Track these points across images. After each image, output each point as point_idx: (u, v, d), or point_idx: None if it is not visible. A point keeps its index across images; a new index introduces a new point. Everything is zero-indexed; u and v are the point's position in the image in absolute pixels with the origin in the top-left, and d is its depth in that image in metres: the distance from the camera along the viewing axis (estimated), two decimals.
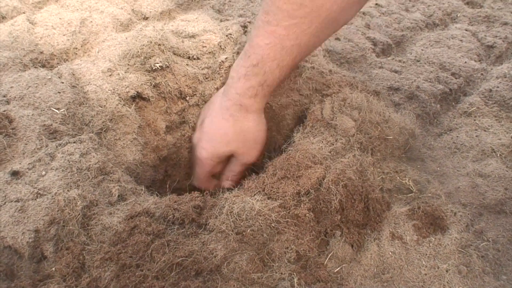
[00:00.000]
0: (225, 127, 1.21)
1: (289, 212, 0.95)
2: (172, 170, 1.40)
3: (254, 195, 0.99)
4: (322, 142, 1.12)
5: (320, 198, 0.98)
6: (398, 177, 1.12)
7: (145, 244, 0.86)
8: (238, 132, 1.20)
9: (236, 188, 1.06)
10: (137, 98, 1.30)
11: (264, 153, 1.31)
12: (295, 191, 0.99)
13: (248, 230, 0.90)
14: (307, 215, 0.95)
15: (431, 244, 0.99)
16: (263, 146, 1.23)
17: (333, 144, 1.11)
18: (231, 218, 0.91)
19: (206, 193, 1.04)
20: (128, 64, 1.30)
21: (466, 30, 1.91)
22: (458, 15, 2.07)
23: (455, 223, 1.04)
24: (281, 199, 0.97)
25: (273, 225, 0.92)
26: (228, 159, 1.27)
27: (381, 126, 1.16)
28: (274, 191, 0.99)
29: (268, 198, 0.98)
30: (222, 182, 1.30)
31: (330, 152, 1.09)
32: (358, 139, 1.13)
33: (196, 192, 1.02)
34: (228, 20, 1.54)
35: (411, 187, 1.11)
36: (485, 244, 1.02)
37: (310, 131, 1.17)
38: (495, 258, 1.01)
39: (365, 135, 1.14)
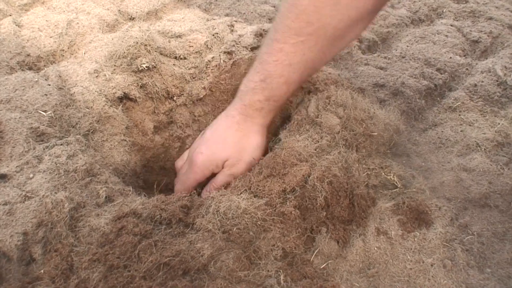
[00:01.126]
0: (227, 134, 1.22)
1: (275, 210, 0.96)
2: (160, 170, 1.41)
3: (241, 193, 1.00)
4: (308, 139, 1.12)
5: (306, 195, 0.99)
6: (383, 173, 1.13)
7: (132, 244, 0.87)
8: (237, 141, 1.20)
9: (223, 187, 1.07)
10: (124, 99, 1.31)
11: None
12: (281, 189, 1.00)
13: (235, 229, 0.91)
14: (293, 212, 0.96)
15: (416, 239, 1.00)
16: (254, 163, 1.20)
17: (318, 142, 1.12)
18: (218, 217, 0.92)
19: (194, 193, 1.05)
20: (115, 65, 1.30)
21: (451, 25, 1.92)
22: (444, 11, 2.08)
23: (439, 217, 1.05)
24: (267, 197, 0.98)
25: (259, 223, 0.93)
26: (217, 170, 1.24)
27: (366, 123, 1.16)
28: (260, 189, 0.99)
29: (255, 196, 0.98)
30: (202, 193, 1.26)
31: (315, 150, 1.10)
32: (343, 136, 1.14)
33: (183, 192, 1.02)
34: (214, 19, 1.54)
35: (396, 182, 1.12)
36: (470, 237, 1.03)
37: (296, 129, 1.18)
38: (479, 251, 1.02)
39: (350, 132, 1.15)
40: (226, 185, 1.16)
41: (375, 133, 1.17)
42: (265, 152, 1.21)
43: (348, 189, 1.02)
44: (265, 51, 1.13)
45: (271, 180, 1.01)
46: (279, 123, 1.31)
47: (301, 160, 1.06)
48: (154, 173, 1.39)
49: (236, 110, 1.21)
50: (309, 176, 1.03)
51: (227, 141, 1.21)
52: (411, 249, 0.98)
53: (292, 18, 1.06)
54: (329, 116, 1.16)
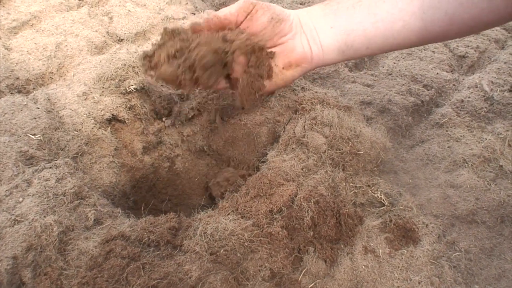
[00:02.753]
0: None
1: (262, 231, 0.96)
2: (149, 190, 1.41)
3: (228, 214, 1.00)
4: (294, 159, 1.13)
5: (293, 215, 1.00)
6: (370, 191, 1.14)
7: (120, 267, 0.87)
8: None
9: (210, 208, 1.08)
10: (113, 120, 1.31)
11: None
12: (267, 209, 1.00)
13: (222, 250, 0.91)
14: (280, 232, 0.96)
15: (403, 257, 1.01)
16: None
17: (305, 161, 1.13)
18: (205, 239, 0.93)
19: (181, 214, 1.05)
20: (103, 87, 1.31)
21: None
22: None
23: (427, 234, 1.06)
24: (254, 217, 0.98)
25: (246, 244, 0.93)
26: None
27: (352, 141, 1.17)
28: (247, 210, 1.00)
29: (242, 217, 0.99)
30: None
31: (302, 169, 1.11)
32: (330, 155, 1.15)
33: (171, 214, 1.03)
34: None
35: (383, 200, 1.12)
36: (457, 254, 1.04)
37: (283, 149, 1.19)
38: (467, 268, 1.03)
39: (336, 151, 1.16)
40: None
41: (362, 152, 1.17)
42: None
43: (335, 208, 1.03)
44: None
45: (258, 200, 1.01)
46: (267, 141, 1.31)
47: (287, 180, 1.07)
48: (143, 193, 1.40)
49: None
50: (295, 196, 1.03)
51: None
52: (399, 267, 0.99)
53: None
54: (315, 136, 1.17)
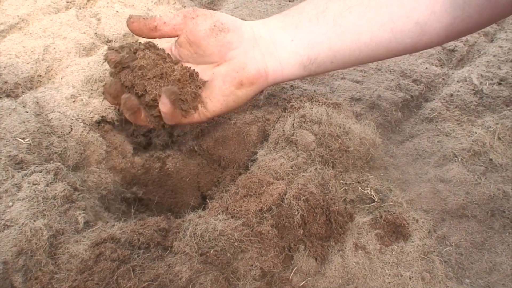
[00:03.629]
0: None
1: (252, 230, 0.96)
2: (141, 191, 1.42)
3: (218, 214, 1.00)
4: (284, 157, 1.13)
5: (283, 214, 1.00)
6: (360, 188, 1.14)
7: (110, 270, 0.87)
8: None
9: (201, 209, 1.08)
10: (102, 122, 1.31)
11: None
12: (257, 209, 1.00)
13: (212, 251, 0.91)
14: (270, 231, 0.96)
15: (394, 252, 1.01)
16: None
17: (294, 159, 1.13)
18: (195, 240, 0.93)
19: (170, 215, 1.05)
20: (92, 89, 1.31)
21: None
22: None
23: (417, 230, 1.06)
24: (244, 217, 0.98)
25: (236, 244, 0.93)
26: None
27: (342, 138, 1.17)
28: (237, 210, 1.00)
29: (232, 217, 0.99)
30: None
31: (291, 167, 1.11)
32: (319, 153, 1.15)
33: (162, 215, 1.03)
34: None
35: (373, 196, 1.13)
36: (448, 249, 1.04)
37: (273, 148, 1.19)
38: (458, 262, 1.03)
39: (325, 148, 1.16)
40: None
41: (351, 148, 1.18)
42: None
43: (325, 205, 1.03)
44: None
45: (248, 200, 1.01)
46: (257, 140, 1.32)
47: (277, 178, 1.07)
48: (134, 194, 1.40)
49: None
50: (285, 195, 1.03)
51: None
52: (389, 263, 0.99)
53: None
54: (304, 134, 1.17)
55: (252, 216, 0.98)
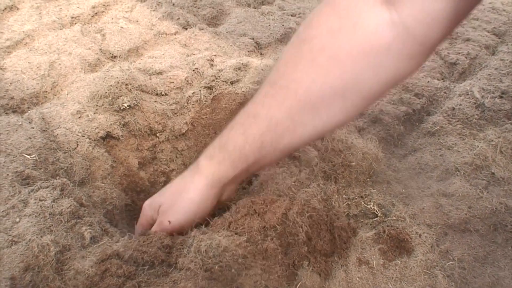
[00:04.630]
0: (174, 181, 1.15)
1: (256, 247, 0.97)
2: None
3: (221, 231, 1.01)
4: (286, 172, 1.14)
5: (287, 231, 1.00)
6: (363, 202, 1.15)
7: (116, 286, 0.88)
8: (176, 188, 1.11)
9: (203, 225, 1.08)
10: (108, 137, 1.32)
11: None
12: (261, 226, 1.00)
13: (216, 267, 0.92)
14: (274, 249, 0.97)
15: (397, 267, 1.01)
16: (188, 221, 1.08)
17: (296, 175, 1.14)
18: (199, 256, 0.93)
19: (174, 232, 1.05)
20: (97, 105, 1.33)
21: None
22: None
23: (420, 244, 1.07)
24: (247, 234, 0.98)
25: (240, 260, 0.94)
26: (155, 216, 1.14)
27: (344, 153, 1.18)
28: (239, 228, 1.00)
29: (235, 234, 0.99)
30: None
31: (294, 183, 1.12)
32: (322, 168, 1.16)
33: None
34: (194, 54, 1.57)
35: (376, 211, 1.13)
36: (451, 263, 1.05)
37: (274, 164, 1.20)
38: (460, 276, 1.03)
39: (328, 163, 1.17)
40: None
41: (354, 163, 1.19)
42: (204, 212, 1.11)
43: (328, 221, 1.03)
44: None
45: (250, 218, 1.02)
46: None
47: (280, 194, 1.07)
48: (140, 209, 1.41)
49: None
50: (289, 211, 1.03)
51: (169, 189, 1.13)
52: (393, 278, 1.00)
53: (274, 70, 0.99)
54: (306, 150, 1.18)
55: (256, 234, 0.98)
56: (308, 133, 1.00)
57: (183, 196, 1.08)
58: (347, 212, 1.13)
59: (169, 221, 1.07)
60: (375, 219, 1.13)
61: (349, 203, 1.14)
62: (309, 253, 1.01)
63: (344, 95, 0.93)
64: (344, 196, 1.15)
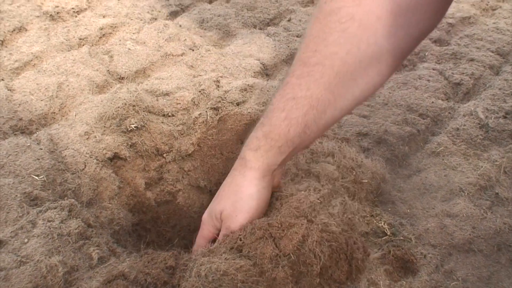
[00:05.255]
0: (225, 183, 1.14)
1: (264, 275, 0.95)
2: (153, 225, 1.43)
3: (222, 253, 0.99)
4: (310, 189, 1.12)
5: (301, 260, 0.98)
6: (374, 221, 1.16)
7: None
8: (231, 190, 1.12)
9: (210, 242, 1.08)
10: (115, 158, 1.34)
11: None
12: (274, 254, 0.97)
13: None
14: (284, 278, 0.95)
15: None
16: (253, 217, 1.09)
17: (320, 191, 1.12)
18: (199, 280, 0.92)
19: (179, 251, 1.04)
20: (105, 126, 1.34)
21: (433, 69, 1.96)
22: (426, 54, 2.12)
23: (425, 265, 1.07)
24: (258, 260, 0.96)
25: (239, 285, 0.92)
26: (219, 225, 1.15)
27: (356, 171, 1.19)
28: (252, 251, 0.98)
29: (239, 257, 0.97)
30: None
31: (318, 200, 1.09)
32: (341, 183, 1.16)
33: (170, 251, 1.02)
34: (200, 75, 1.59)
35: (386, 230, 1.14)
36: (455, 283, 1.05)
37: (290, 180, 1.19)
38: None
39: (343, 179, 1.17)
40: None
41: (365, 181, 1.19)
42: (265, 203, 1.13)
43: (348, 251, 1.01)
44: (277, 88, 1.06)
45: (264, 243, 0.99)
46: None
47: (298, 215, 1.04)
48: (147, 229, 1.42)
49: (238, 156, 1.12)
50: (307, 239, 1.00)
51: (223, 193, 1.13)
52: None
53: (303, 49, 0.98)
54: (323, 165, 1.18)
55: (268, 262, 0.96)
56: (348, 102, 1.02)
57: (241, 194, 1.09)
58: (360, 230, 1.13)
59: (238, 223, 1.08)
60: (384, 238, 1.13)
61: (361, 220, 1.15)
62: (322, 281, 1.00)
63: (379, 59, 0.95)
64: (358, 213, 1.15)
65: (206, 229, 1.15)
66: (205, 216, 1.16)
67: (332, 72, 0.95)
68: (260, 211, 1.11)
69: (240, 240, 1.01)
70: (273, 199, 1.13)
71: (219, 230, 1.12)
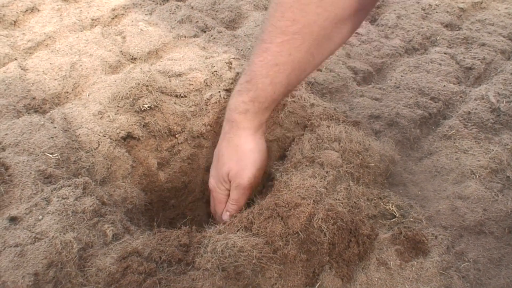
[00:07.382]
0: (222, 147, 1.22)
1: (276, 252, 0.97)
2: (165, 204, 1.45)
3: (237, 231, 1.02)
4: (315, 176, 1.14)
5: (310, 238, 1.00)
6: (382, 203, 1.16)
7: (137, 283, 0.89)
8: (231, 151, 1.20)
9: (221, 224, 1.09)
10: (128, 138, 1.35)
11: (263, 180, 1.29)
12: (283, 231, 0.99)
13: (232, 267, 0.93)
14: (294, 255, 0.97)
15: (413, 268, 1.02)
16: (259, 169, 1.21)
17: (326, 178, 1.14)
18: (215, 256, 0.93)
19: (193, 228, 1.05)
20: (118, 106, 1.35)
21: (445, 53, 1.96)
22: (437, 38, 2.12)
23: (436, 246, 1.08)
24: (269, 238, 0.98)
25: (254, 261, 0.94)
26: (228, 187, 1.24)
27: (362, 155, 1.19)
28: (262, 230, 1.00)
29: (254, 235, 0.99)
30: (223, 215, 1.25)
31: (323, 186, 1.11)
32: (345, 169, 1.17)
33: (183, 228, 1.04)
34: (213, 57, 1.58)
35: (395, 212, 1.14)
36: (466, 264, 1.06)
37: (293, 168, 1.20)
38: (475, 278, 1.04)
39: (348, 164, 1.18)
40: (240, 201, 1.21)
41: (372, 164, 1.20)
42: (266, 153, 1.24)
43: (354, 228, 1.04)
44: (253, 52, 1.13)
45: (273, 221, 1.01)
46: (276, 159, 1.34)
47: (304, 198, 1.07)
48: (160, 207, 1.43)
49: (225, 120, 1.22)
50: (313, 217, 1.03)
51: (224, 155, 1.21)
52: (409, 278, 1.01)
53: (278, 17, 1.05)
54: (327, 152, 1.19)
55: (278, 239, 0.98)
56: (325, 56, 1.17)
57: (242, 152, 1.19)
58: (366, 213, 1.13)
59: (247, 177, 1.19)
60: (393, 220, 1.14)
61: (368, 203, 1.15)
62: (331, 259, 1.02)
63: (351, 17, 1.07)
64: (363, 197, 1.16)
65: (218, 195, 1.24)
66: (212, 182, 1.24)
67: (312, 38, 1.06)
68: (263, 161, 1.22)
69: (249, 220, 1.04)
70: (279, 185, 1.16)
71: (229, 191, 1.22)
